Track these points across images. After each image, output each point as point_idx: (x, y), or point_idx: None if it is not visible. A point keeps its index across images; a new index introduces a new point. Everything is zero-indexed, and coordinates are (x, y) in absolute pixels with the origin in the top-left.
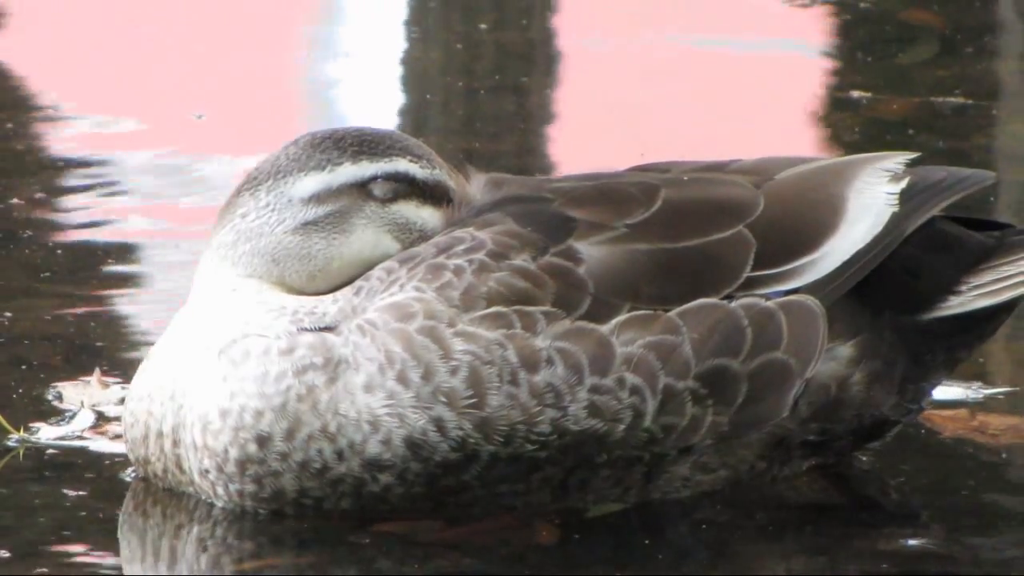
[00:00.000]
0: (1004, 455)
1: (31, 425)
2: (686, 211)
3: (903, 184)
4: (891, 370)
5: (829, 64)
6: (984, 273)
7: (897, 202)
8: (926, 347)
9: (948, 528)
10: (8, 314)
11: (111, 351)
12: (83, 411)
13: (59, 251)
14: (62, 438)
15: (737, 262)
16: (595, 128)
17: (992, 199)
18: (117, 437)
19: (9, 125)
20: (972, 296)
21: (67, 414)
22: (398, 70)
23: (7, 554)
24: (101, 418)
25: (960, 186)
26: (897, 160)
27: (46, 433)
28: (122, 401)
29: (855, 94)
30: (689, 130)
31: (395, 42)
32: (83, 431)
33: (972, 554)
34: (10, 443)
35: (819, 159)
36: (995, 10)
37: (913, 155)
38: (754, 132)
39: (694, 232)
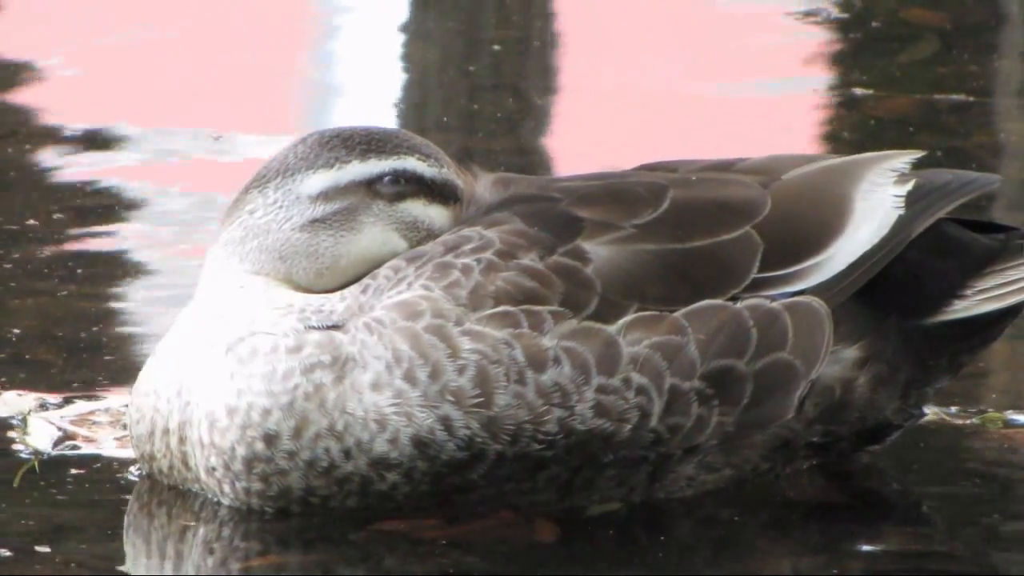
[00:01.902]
0: None
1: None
2: (694, 212)
3: (909, 186)
4: (895, 373)
5: (830, 62)
6: (989, 277)
7: (903, 205)
8: (930, 351)
9: (951, 527)
10: (16, 327)
11: (116, 351)
12: (35, 420)
13: (61, 251)
14: (63, 439)
15: (744, 264)
16: (595, 128)
17: (992, 197)
18: (91, 441)
19: (27, 146)
20: (977, 301)
21: (12, 419)
22: (398, 69)
23: (8, 553)
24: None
25: (966, 189)
26: (904, 159)
27: (38, 438)
28: (43, 407)
29: (857, 92)
30: (690, 126)
31: (395, 41)
32: (56, 442)
33: (974, 552)
34: (23, 454)
35: (826, 157)
36: (996, 7)
37: (919, 153)
38: (756, 127)
39: (702, 233)
